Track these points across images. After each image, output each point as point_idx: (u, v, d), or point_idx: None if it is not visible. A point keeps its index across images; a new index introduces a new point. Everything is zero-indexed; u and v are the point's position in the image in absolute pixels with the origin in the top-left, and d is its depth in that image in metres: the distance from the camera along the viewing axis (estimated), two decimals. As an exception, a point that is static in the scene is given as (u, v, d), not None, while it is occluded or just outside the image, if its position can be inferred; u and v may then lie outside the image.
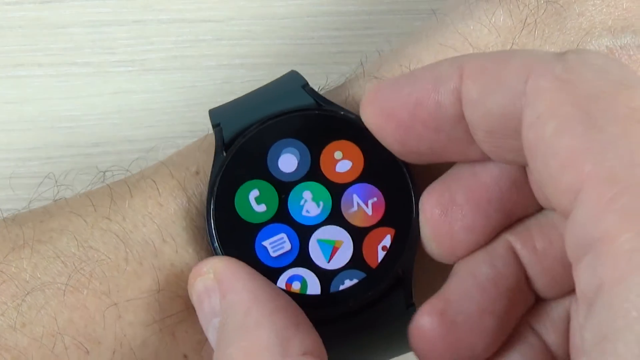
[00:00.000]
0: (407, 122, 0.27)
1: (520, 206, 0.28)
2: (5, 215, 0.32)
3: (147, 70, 0.41)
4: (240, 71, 0.41)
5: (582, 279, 0.23)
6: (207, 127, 0.32)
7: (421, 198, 0.29)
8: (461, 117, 0.27)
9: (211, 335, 0.28)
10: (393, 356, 0.31)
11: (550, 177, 0.24)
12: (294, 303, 0.28)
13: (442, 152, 0.28)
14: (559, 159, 0.23)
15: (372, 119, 0.28)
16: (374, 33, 0.41)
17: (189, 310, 0.29)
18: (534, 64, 0.25)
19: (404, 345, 0.30)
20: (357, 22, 0.42)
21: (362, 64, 0.33)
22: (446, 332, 0.27)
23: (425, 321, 0.27)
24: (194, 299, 0.29)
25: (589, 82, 0.24)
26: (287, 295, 0.28)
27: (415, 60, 0.32)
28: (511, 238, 0.28)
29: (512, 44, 0.31)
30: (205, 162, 0.31)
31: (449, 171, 0.29)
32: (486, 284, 0.27)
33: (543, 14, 0.31)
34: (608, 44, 0.31)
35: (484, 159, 0.28)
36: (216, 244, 0.29)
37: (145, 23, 0.41)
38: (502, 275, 0.27)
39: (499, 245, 0.28)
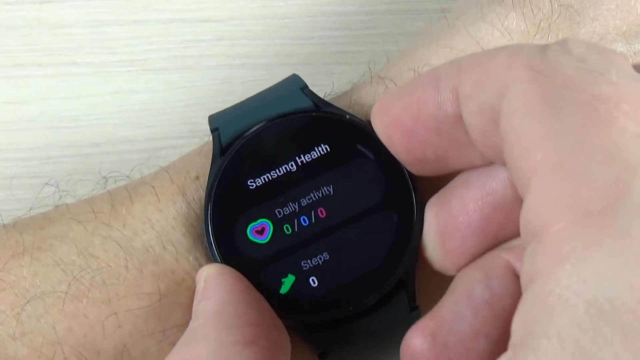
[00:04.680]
0: (410, 126, 0.27)
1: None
2: (5, 217, 0.32)
3: (147, 70, 0.41)
4: (240, 71, 0.41)
5: (522, 269, 0.23)
6: (207, 127, 0.32)
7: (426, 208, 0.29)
8: (460, 117, 0.26)
9: None
10: None
11: (512, 166, 0.24)
12: (273, 323, 0.27)
13: (447, 159, 0.28)
14: (519, 147, 0.23)
15: (380, 128, 0.28)
16: (374, 33, 0.41)
17: (189, 319, 0.29)
18: (518, 56, 0.24)
19: None
20: (357, 22, 0.41)
21: (370, 69, 0.33)
22: (437, 354, 0.26)
23: (416, 342, 0.26)
24: None
25: (561, 71, 0.23)
26: (269, 314, 0.28)
27: (424, 64, 0.31)
28: (509, 257, 0.27)
29: None
30: (206, 166, 0.31)
31: (453, 180, 0.29)
32: (481, 306, 0.26)
33: (557, 18, 0.31)
34: (622, 49, 0.31)
35: (486, 163, 0.27)
36: (214, 250, 0.29)
37: (145, 23, 0.41)
38: (498, 296, 0.27)
39: (496, 265, 0.27)
